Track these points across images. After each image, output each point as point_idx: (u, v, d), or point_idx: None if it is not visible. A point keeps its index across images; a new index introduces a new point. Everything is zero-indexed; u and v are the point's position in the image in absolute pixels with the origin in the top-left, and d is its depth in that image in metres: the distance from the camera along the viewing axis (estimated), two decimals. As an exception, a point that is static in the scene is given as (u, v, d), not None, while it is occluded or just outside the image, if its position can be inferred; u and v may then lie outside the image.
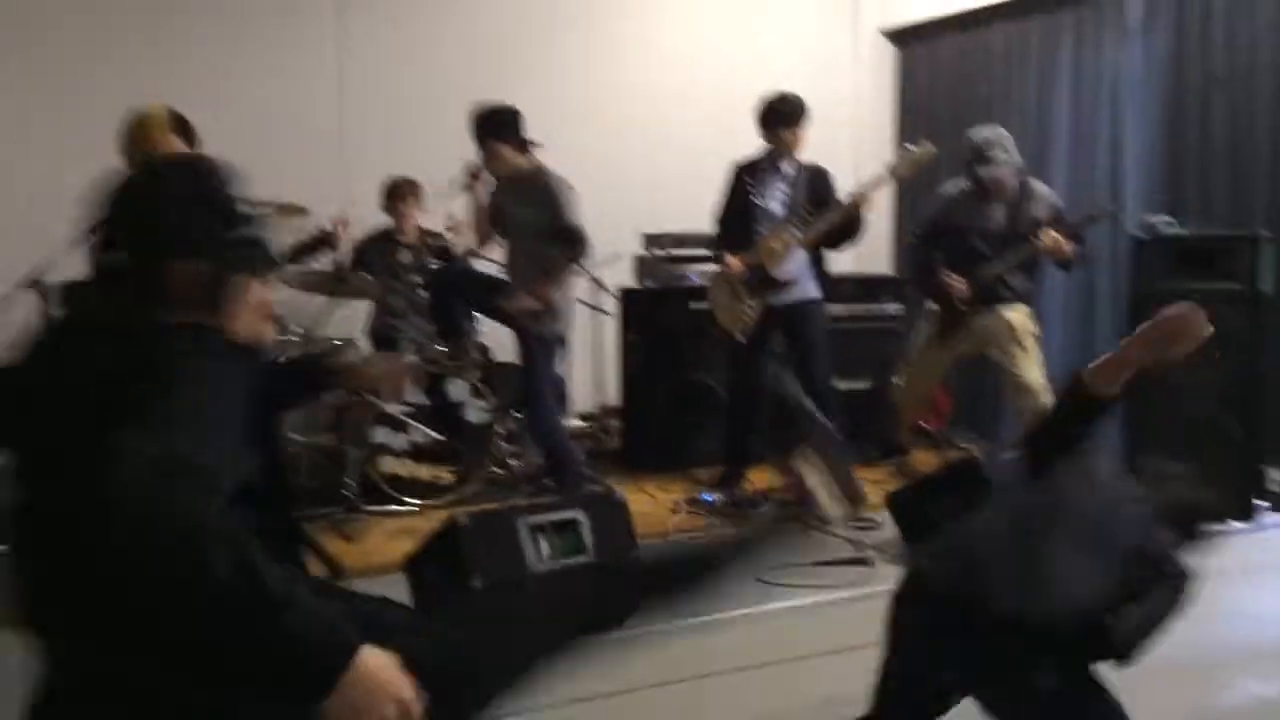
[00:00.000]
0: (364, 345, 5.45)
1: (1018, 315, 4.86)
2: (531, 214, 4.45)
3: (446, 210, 5.03)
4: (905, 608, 2.14)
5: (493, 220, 4.74)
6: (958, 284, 4.83)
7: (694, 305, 5.29)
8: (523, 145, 4.50)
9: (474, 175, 4.66)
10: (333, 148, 5.82)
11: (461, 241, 5.09)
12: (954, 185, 5.02)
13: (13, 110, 5.20)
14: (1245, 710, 3.57)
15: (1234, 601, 4.25)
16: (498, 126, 4.48)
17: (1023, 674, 1.97)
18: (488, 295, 4.61)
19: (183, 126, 3.26)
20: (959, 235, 4.89)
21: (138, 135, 3.22)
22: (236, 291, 1.43)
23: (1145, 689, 3.64)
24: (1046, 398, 4.75)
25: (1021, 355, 4.80)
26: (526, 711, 3.06)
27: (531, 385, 4.45)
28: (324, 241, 3.49)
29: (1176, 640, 3.56)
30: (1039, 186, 4.93)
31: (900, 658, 2.13)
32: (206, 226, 1.43)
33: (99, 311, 1.42)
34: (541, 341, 4.45)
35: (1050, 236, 4.59)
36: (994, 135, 4.82)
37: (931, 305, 5.13)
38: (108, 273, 1.42)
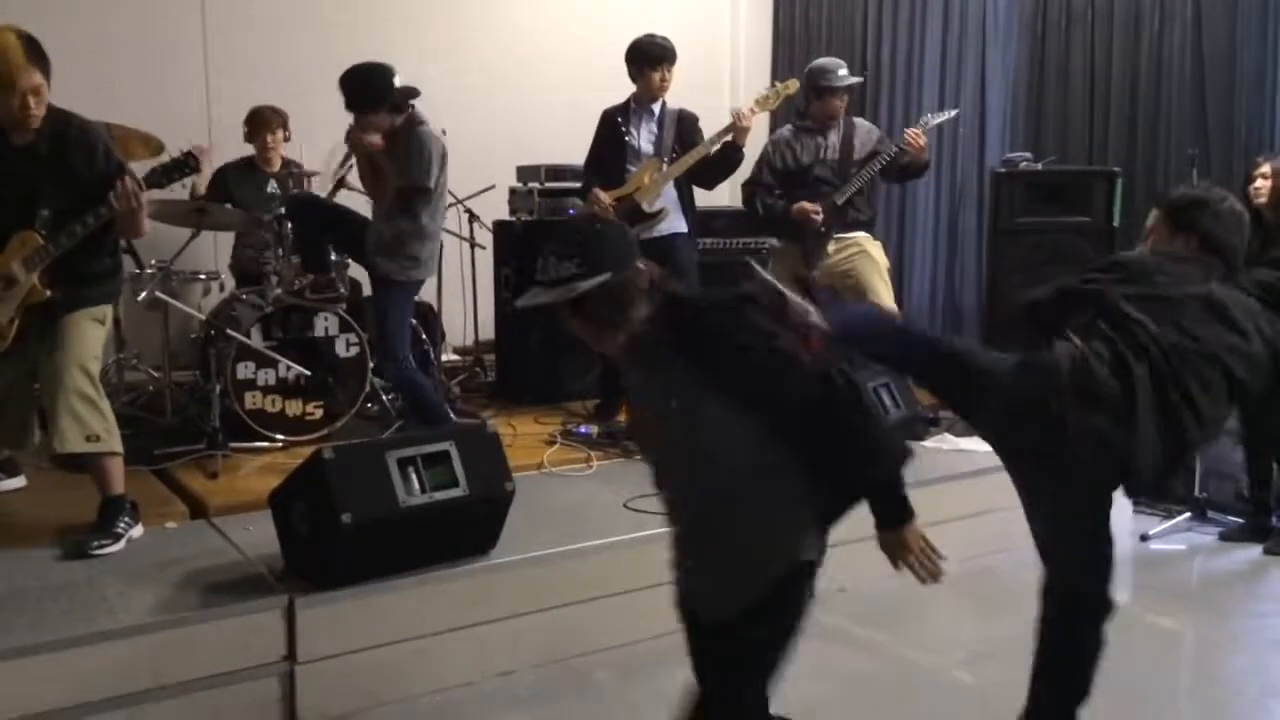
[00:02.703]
0: (228, 279, 5.29)
1: (875, 248, 5.03)
2: (394, 168, 4.25)
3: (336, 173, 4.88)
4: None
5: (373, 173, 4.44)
6: (815, 210, 4.87)
7: (569, 238, 5.24)
8: (395, 107, 4.14)
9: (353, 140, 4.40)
10: (196, 76, 5.59)
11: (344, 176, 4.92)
12: (784, 129, 5.12)
13: None
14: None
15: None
16: (369, 99, 4.11)
17: None
18: (345, 232, 4.42)
19: (36, 49, 3.07)
20: (801, 172, 4.95)
21: None
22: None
23: (996, 607, 3.85)
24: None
25: (880, 285, 4.99)
26: (405, 640, 3.07)
27: (383, 326, 4.29)
28: (184, 164, 3.32)
29: (1029, 559, 3.74)
30: (862, 121, 5.11)
31: None
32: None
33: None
34: (399, 284, 4.27)
35: (911, 132, 4.75)
36: (829, 61, 5.01)
37: (777, 243, 5.19)
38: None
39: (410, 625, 3.08)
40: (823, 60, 5.06)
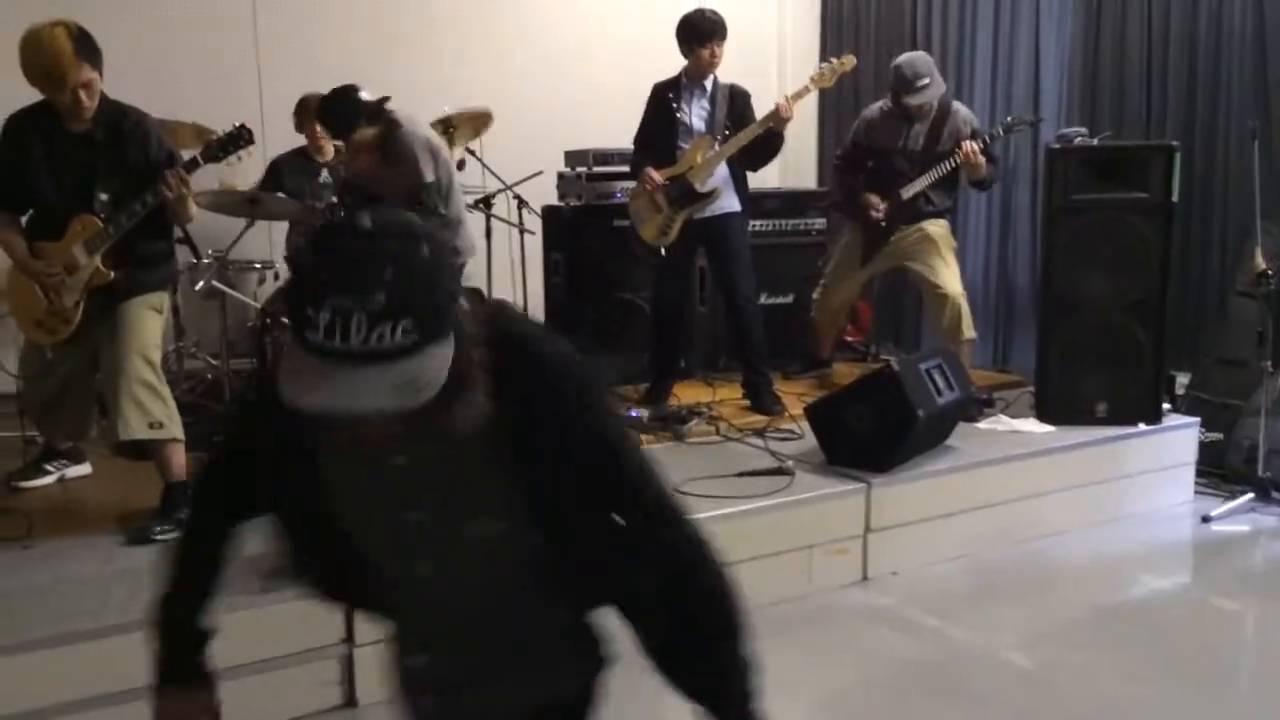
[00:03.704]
0: (282, 270, 5.36)
1: (938, 229, 4.97)
2: (393, 174, 4.26)
3: None
4: None
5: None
6: (876, 206, 4.89)
7: (617, 223, 5.25)
8: (371, 118, 4.13)
9: None
10: (248, 67, 5.66)
11: None
12: (876, 106, 5.10)
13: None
14: (1141, 601, 3.75)
15: (1138, 501, 4.44)
16: (343, 122, 4.16)
17: None
18: None
19: (86, 44, 3.15)
20: (881, 156, 4.97)
21: (43, 62, 3.10)
22: None
23: (1052, 590, 3.81)
24: (965, 306, 4.87)
25: (943, 267, 4.92)
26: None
27: None
28: (238, 137, 3.41)
29: (1085, 541, 3.71)
30: (961, 108, 5.02)
31: None
32: None
33: None
34: None
35: (968, 147, 4.70)
36: (921, 62, 4.88)
37: (852, 224, 5.19)
38: None
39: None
40: (905, 62, 4.88)
